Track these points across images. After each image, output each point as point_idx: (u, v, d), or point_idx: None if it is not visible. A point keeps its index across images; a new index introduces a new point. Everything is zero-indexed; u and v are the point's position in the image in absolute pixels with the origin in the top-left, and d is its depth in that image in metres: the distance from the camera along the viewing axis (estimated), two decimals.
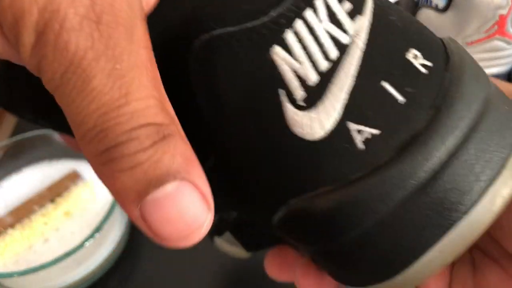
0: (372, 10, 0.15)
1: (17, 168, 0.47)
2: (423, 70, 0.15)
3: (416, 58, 0.15)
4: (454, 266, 0.20)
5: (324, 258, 0.17)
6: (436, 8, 0.43)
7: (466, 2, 0.40)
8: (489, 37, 0.41)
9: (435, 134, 0.14)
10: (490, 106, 0.15)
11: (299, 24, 0.14)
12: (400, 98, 0.14)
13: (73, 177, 0.45)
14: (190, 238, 0.12)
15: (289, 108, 0.14)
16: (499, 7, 0.39)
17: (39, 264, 0.36)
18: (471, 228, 0.14)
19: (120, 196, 0.12)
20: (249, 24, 0.14)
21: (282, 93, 0.14)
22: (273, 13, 0.14)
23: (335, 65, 0.14)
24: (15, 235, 0.41)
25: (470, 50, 0.42)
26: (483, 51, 0.42)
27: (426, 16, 0.44)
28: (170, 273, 0.42)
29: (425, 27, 0.16)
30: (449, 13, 0.42)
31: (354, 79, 0.14)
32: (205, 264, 0.42)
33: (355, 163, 0.14)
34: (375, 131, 0.14)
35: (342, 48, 0.14)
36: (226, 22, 0.14)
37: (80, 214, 0.43)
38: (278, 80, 0.14)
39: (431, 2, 0.44)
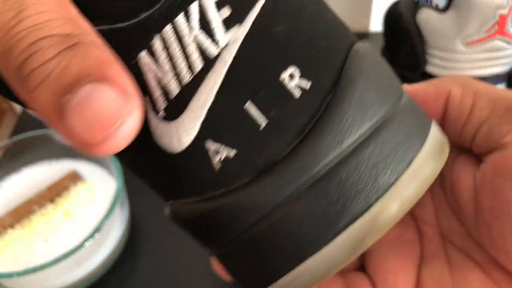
0: (255, 19, 0.13)
1: (17, 168, 0.47)
2: (296, 92, 0.13)
3: (292, 78, 0.13)
4: (423, 262, 0.20)
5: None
6: (437, 8, 0.43)
7: (467, 2, 0.40)
8: (490, 37, 0.41)
9: (292, 167, 0.13)
10: (375, 135, 0.14)
11: (167, 31, 0.13)
12: (262, 121, 0.13)
13: (73, 177, 0.45)
14: (113, 137, 0.11)
15: (152, 117, 0.14)
16: (500, 7, 0.39)
17: (39, 264, 0.36)
18: (312, 272, 0.14)
19: (44, 114, 0.12)
20: (120, 24, 0.13)
21: (147, 100, 0.14)
22: (143, 15, 0.13)
23: (199, 79, 0.13)
24: (14, 235, 0.41)
25: (470, 50, 0.42)
26: (483, 51, 0.42)
27: (427, 16, 0.44)
28: (170, 273, 0.42)
29: (329, 34, 0.15)
30: (450, 13, 0.42)
31: (216, 97, 0.13)
32: (205, 264, 0.42)
33: (212, 181, 0.14)
34: (231, 153, 0.14)
35: (209, 62, 0.13)
36: (100, 19, 0.13)
37: (80, 214, 0.43)
38: (144, 87, 0.13)
39: (431, 2, 0.44)
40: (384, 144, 0.14)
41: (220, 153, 0.14)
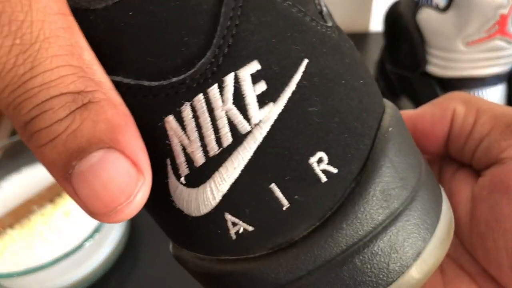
0: (290, 97, 0.13)
1: (17, 168, 0.47)
2: (323, 177, 0.13)
3: (320, 163, 0.13)
4: None
5: None
6: (437, 8, 0.43)
7: (467, 1, 0.40)
8: (490, 36, 0.41)
9: (309, 250, 0.13)
10: (392, 226, 0.14)
11: (199, 100, 0.12)
12: (285, 203, 0.13)
13: None
14: (121, 211, 0.11)
15: (172, 179, 0.13)
16: (500, 6, 0.39)
17: (39, 264, 0.36)
18: None
19: (51, 172, 0.12)
20: (145, 82, 0.12)
21: (169, 163, 0.13)
22: (174, 79, 0.12)
23: (226, 154, 0.13)
24: (14, 236, 0.41)
25: (470, 50, 0.42)
26: (484, 51, 0.42)
27: (427, 16, 0.44)
28: (170, 273, 0.42)
29: (360, 112, 0.14)
30: (450, 13, 0.42)
31: (241, 173, 0.13)
32: None
33: (226, 248, 0.14)
34: (249, 228, 0.13)
35: (238, 138, 0.13)
36: (125, 70, 0.12)
37: (80, 214, 0.43)
38: (167, 150, 0.13)
39: (431, 1, 0.44)
40: (399, 234, 0.14)
41: (237, 225, 0.13)
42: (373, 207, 0.14)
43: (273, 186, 0.13)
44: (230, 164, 0.13)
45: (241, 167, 0.13)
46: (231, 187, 0.13)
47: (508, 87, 0.45)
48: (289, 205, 0.13)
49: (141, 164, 0.11)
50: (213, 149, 0.13)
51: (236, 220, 0.13)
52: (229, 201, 0.13)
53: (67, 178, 0.11)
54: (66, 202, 0.44)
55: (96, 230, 0.38)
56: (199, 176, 0.13)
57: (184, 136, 0.13)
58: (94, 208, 0.11)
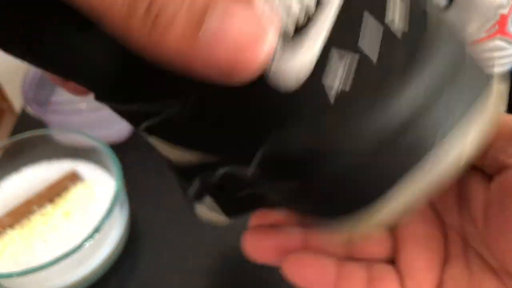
0: None
1: (16, 168, 0.47)
2: (398, 34, 0.15)
3: (393, 23, 0.15)
4: (445, 264, 0.21)
5: (301, 195, 0.17)
6: (437, 8, 0.43)
7: (467, 1, 0.40)
8: (490, 36, 0.41)
9: (407, 92, 0.15)
10: (454, 76, 0.15)
11: None
12: (374, 59, 0.14)
13: (72, 177, 0.45)
14: (257, 54, 0.12)
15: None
16: (500, 6, 0.39)
17: (39, 264, 0.36)
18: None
19: (177, 54, 0.12)
20: None
21: None
22: None
23: (313, 19, 0.14)
24: (14, 236, 0.41)
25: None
26: (484, 50, 0.42)
27: None
28: (170, 273, 0.42)
29: None
30: (450, 13, 0.42)
31: (331, 33, 0.14)
32: (205, 265, 0.42)
33: (326, 113, 0.15)
34: (346, 87, 0.14)
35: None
36: None
37: (80, 214, 0.43)
38: None
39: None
40: (459, 93, 0.15)
41: (334, 88, 0.14)
42: (436, 67, 0.15)
43: (361, 44, 0.14)
44: (318, 26, 0.14)
45: (328, 27, 0.14)
46: (322, 48, 0.14)
47: (508, 87, 0.45)
48: (377, 59, 0.14)
49: (265, 12, 0.12)
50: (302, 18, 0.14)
51: (332, 83, 0.14)
52: (322, 64, 0.14)
53: (197, 48, 0.11)
54: (66, 202, 0.44)
55: (96, 230, 0.38)
56: (290, 47, 0.14)
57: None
58: (232, 61, 0.12)
